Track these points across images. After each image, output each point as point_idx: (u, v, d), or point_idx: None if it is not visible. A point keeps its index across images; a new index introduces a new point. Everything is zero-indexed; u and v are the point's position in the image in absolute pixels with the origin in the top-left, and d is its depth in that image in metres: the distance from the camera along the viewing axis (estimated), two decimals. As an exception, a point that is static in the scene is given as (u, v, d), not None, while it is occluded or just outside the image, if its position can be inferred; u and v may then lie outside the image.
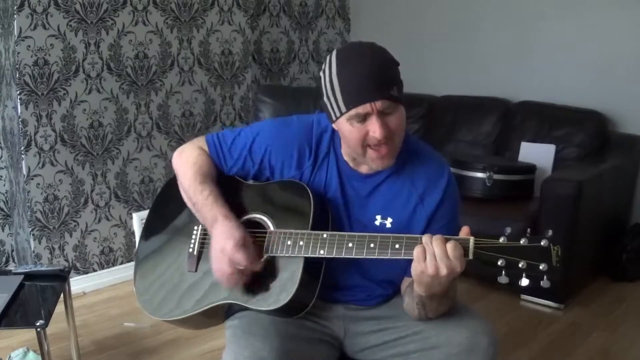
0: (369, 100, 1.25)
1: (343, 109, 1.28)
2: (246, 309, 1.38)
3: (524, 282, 1.16)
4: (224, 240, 1.33)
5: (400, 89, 1.30)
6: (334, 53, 1.32)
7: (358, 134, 1.29)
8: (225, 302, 1.40)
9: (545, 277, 1.15)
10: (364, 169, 1.42)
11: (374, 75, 1.26)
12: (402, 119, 1.31)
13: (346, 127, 1.31)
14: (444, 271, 1.16)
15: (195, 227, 1.51)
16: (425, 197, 1.40)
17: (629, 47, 3.16)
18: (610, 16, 3.21)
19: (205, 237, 1.49)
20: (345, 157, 1.43)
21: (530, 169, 3.11)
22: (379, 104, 1.25)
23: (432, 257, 1.17)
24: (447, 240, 1.18)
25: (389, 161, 1.34)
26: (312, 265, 1.34)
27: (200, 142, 1.53)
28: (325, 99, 1.33)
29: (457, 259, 1.16)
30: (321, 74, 1.34)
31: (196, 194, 1.43)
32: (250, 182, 1.51)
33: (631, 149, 3.13)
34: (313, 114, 1.49)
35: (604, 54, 3.25)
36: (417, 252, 1.20)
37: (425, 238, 1.20)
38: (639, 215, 3.24)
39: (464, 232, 1.21)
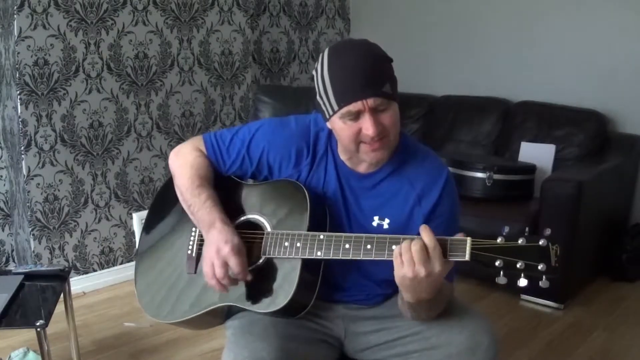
0: (361, 97, 1.24)
1: (335, 107, 1.28)
2: (246, 310, 1.38)
3: (523, 282, 1.15)
4: (221, 242, 1.33)
5: (393, 85, 1.29)
6: (326, 51, 1.32)
7: (350, 131, 1.29)
8: (224, 304, 1.39)
9: (544, 277, 1.14)
10: (361, 168, 1.42)
11: (365, 72, 1.25)
12: (395, 115, 1.30)
13: (339, 125, 1.31)
14: (422, 272, 1.15)
15: (193, 229, 1.51)
16: (422, 197, 1.39)
17: (629, 47, 3.15)
18: (611, 16, 3.21)
19: (203, 239, 1.48)
20: (342, 157, 1.43)
21: (530, 169, 3.11)
22: (370, 102, 1.25)
23: (410, 260, 1.16)
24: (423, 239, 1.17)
25: (383, 155, 1.33)
26: (310, 266, 1.33)
27: (197, 141, 1.52)
28: (318, 97, 1.33)
29: (435, 258, 1.15)
30: (314, 72, 1.34)
31: (193, 196, 1.43)
32: (248, 182, 1.51)
33: (631, 149, 3.13)
34: (311, 114, 1.49)
35: (604, 54, 3.24)
36: (394, 255, 1.19)
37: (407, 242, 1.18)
38: (639, 215, 3.24)
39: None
